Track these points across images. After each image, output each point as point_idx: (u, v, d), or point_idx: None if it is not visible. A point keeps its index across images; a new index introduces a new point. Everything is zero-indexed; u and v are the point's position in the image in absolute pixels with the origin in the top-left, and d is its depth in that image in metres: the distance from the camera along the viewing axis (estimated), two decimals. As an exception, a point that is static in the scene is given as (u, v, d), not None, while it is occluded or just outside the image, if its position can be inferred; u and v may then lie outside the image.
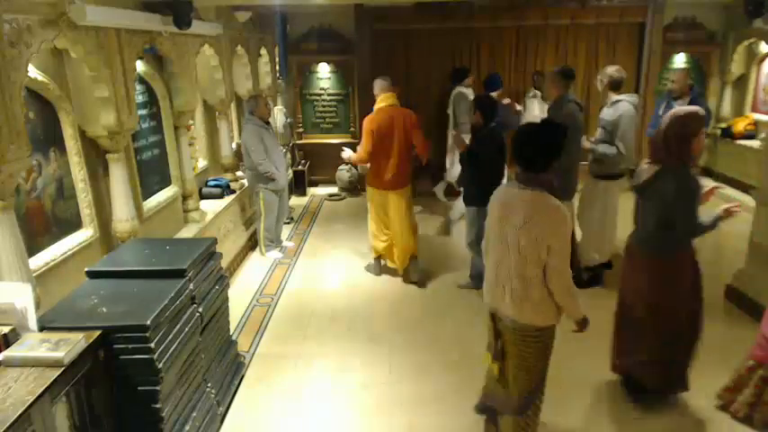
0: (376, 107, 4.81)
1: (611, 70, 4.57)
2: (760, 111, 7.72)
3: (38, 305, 2.46)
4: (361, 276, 5.28)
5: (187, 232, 4.58)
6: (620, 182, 4.61)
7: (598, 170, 4.57)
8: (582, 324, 2.61)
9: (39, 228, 3.02)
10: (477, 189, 4.39)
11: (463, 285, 4.91)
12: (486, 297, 2.68)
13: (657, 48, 7.84)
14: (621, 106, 4.38)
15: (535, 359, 2.56)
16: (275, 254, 5.74)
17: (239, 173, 6.16)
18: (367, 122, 4.73)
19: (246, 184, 5.99)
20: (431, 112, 7.86)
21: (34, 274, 2.70)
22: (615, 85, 4.52)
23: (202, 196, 5.33)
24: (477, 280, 4.78)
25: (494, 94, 5.77)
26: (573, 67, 6.98)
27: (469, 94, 6.62)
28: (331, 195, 8.07)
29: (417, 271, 5.04)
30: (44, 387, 2.02)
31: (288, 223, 6.76)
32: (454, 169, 7.09)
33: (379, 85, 4.88)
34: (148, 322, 2.42)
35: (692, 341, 3.12)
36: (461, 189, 4.86)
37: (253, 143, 5.27)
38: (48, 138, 3.11)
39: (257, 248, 5.86)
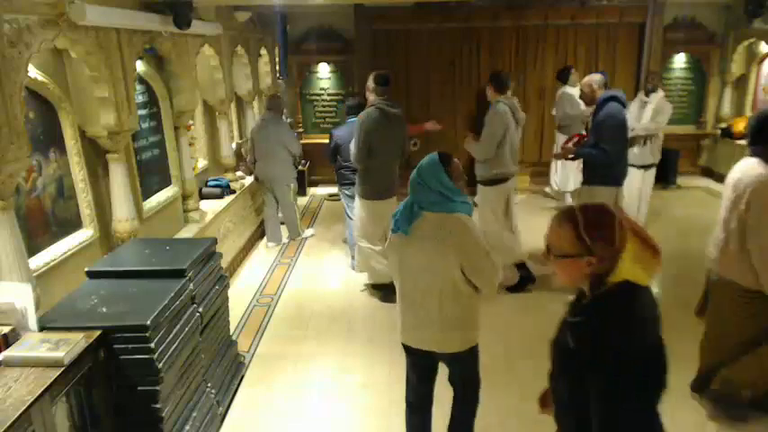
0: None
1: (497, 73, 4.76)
2: (760, 111, 7.71)
3: (38, 305, 2.45)
4: (361, 276, 5.28)
5: (187, 232, 4.58)
6: (502, 187, 4.65)
7: (478, 176, 4.73)
8: None
9: (39, 228, 3.01)
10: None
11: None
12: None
13: (657, 48, 7.84)
14: (497, 108, 4.52)
15: (732, 315, 2.91)
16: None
17: (239, 173, 6.17)
18: None
19: (247, 184, 6.02)
20: (430, 112, 7.85)
21: (34, 274, 2.70)
22: (497, 86, 4.61)
23: (202, 196, 5.33)
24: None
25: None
26: (571, 66, 7.05)
27: (575, 93, 6.40)
28: (331, 195, 8.07)
29: None
30: (44, 387, 2.03)
31: (288, 223, 6.78)
32: (557, 174, 7.12)
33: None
34: (148, 322, 2.42)
35: None
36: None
37: (293, 137, 6.00)
38: (48, 138, 3.11)
39: (263, 242, 6.13)
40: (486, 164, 4.60)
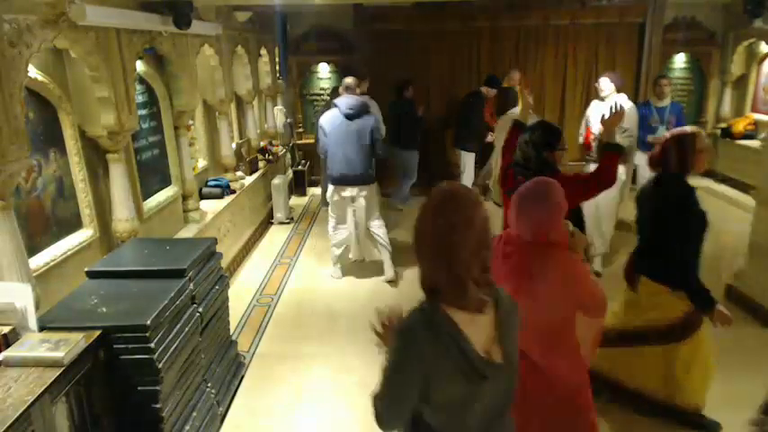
0: None
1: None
2: (760, 111, 7.72)
3: (38, 305, 2.45)
4: (361, 276, 5.28)
5: (187, 232, 4.58)
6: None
7: None
8: None
9: (39, 228, 3.01)
10: None
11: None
12: None
13: (657, 48, 7.83)
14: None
15: None
16: None
17: (239, 173, 6.17)
18: None
19: (247, 184, 6.01)
20: (430, 113, 7.86)
21: (34, 274, 2.69)
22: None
23: (202, 196, 5.33)
24: None
25: None
26: (572, 67, 7.06)
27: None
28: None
29: None
30: (44, 387, 2.03)
31: (288, 223, 6.77)
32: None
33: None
34: (148, 322, 2.42)
35: None
36: None
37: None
38: (48, 138, 3.11)
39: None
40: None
